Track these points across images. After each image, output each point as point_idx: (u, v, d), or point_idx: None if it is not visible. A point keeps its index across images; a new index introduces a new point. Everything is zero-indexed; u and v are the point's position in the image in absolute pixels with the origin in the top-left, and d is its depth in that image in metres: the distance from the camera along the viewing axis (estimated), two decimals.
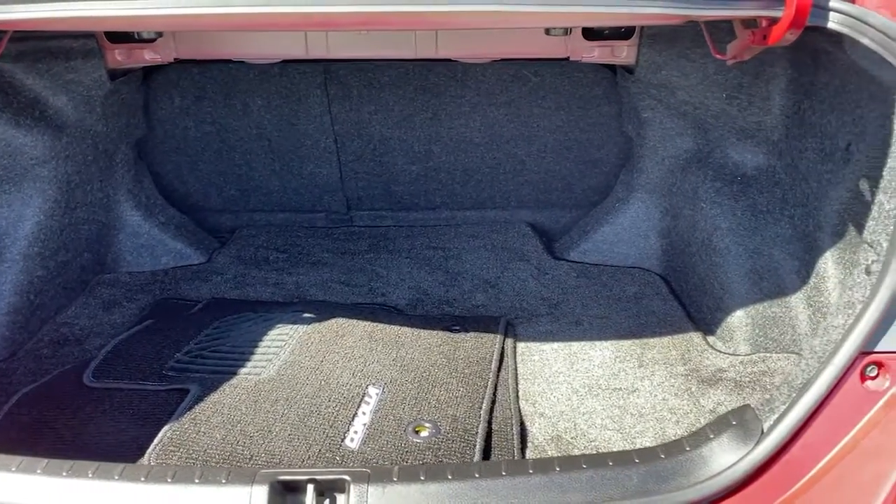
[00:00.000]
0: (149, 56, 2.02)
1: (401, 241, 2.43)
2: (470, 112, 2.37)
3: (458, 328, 1.87)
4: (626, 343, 1.84)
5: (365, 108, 2.36)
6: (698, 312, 1.96)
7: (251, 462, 1.34)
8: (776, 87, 1.83)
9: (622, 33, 1.98)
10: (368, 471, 1.04)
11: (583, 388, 1.67)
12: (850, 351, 1.02)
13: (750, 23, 1.37)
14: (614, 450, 1.45)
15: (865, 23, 1.14)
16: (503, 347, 1.81)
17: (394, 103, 2.36)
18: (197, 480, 1.03)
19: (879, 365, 1.03)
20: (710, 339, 1.86)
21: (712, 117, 1.97)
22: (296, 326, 1.81)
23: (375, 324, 1.85)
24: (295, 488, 1.03)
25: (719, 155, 2.01)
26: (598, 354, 1.80)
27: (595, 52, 2.02)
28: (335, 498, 1.04)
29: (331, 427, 1.43)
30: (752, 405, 1.12)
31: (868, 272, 1.08)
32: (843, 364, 1.02)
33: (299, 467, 1.31)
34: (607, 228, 2.28)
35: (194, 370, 1.63)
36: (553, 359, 1.79)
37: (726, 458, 1.04)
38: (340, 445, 1.39)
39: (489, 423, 1.50)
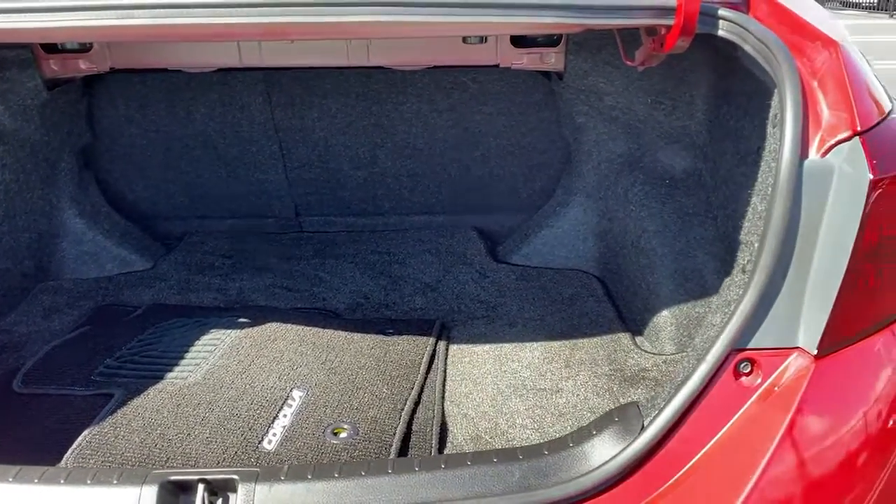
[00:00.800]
0: (84, 66, 2.04)
1: (347, 246, 2.46)
2: (412, 118, 2.41)
3: (391, 331, 1.90)
4: (556, 344, 1.88)
5: (308, 115, 2.39)
6: (629, 313, 2.00)
7: (166, 465, 1.36)
8: (699, 93, 1.88)
9: (550, 40, 2.02)
10: (257, 470, 1.07)
11: (508, 389, 1.70)
12: (722, 348, 1.05)
13: (652, 31, 1.41)
14: None
15: (747, 30, 1.18)
16: (435, 350, 1.84)
17: (336, 110, 2.39)
18: (89, 482, 1.05)
19: (753, 361, 1.07)
20: (639, 339, 1.90)
21: (640, 122, 2.01)
22: (228, 331, 1.83)
23: (308, 328, 1.87)
24: (186, 488, 1.05)
25: (649, 159, 2.06)
26: (528, 355, 1.84)
27: (524, 59, 2.06)
28: (228, 497, 1.06)
29: (249, 429, 1.46)
30: (638, 402, 1.15)
31: (744, 271, 1.12)
32: (716, 361, 1.05)
33: (214, 467, 1.33)
34: (547, 232, 2.31)
35: (122, 375, 1.65)
36: (483, 360, 1.82)
37: (606, 453, 1.07)
38: (257, 447, 1.41)
39: (409, 424, 1.53)
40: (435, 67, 2.19)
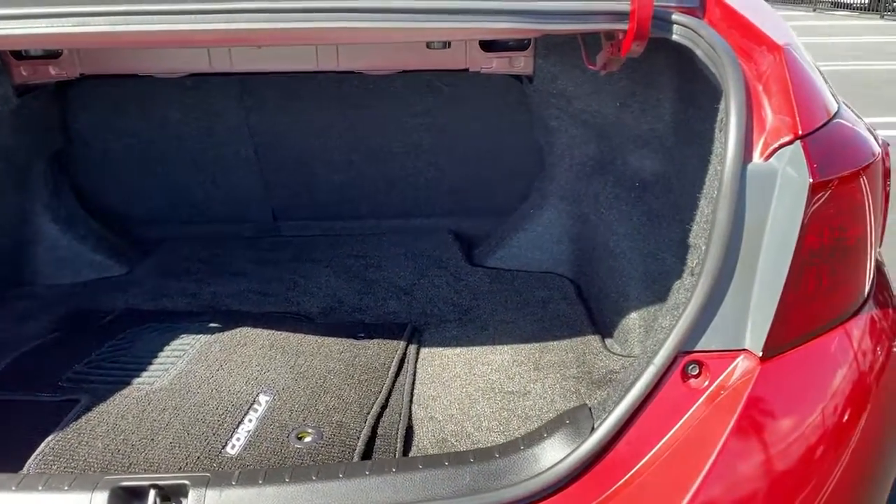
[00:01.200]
0: (54, 72, 2.05)
1: (323, 251, 2.47)
2: (387, 122, 2.42)
3: (362, 335, 1.91)
4: (527, 347, 1.89)
5: (282, 120, 2.40)
6: (599, 315, 2.01)
7: (128, 470, 1.36)
8: (666, 96, 1.89)
9: (520, 44, 2.03)
10: (208, 475, 1.07)
11: (476, 392, 1.71)
12: (669, 351, 1.06)
13: (610, 36, 1.42)
14: None
15: (698, 34, 1.19)
16: (405, 353, 1.85)
17: (311, 114, 2.40)
18: (40, 488, 1.06)
19: (700, 364, 1.08)
20: (608, 341, 1.91)
21: (609, 125, 2.02)
22: (199, 336, 1.83)
23: (279, 332, 1.88)
24: (138, 494, 1.06)
25: (620, 162, 2.07)
26: (498, 358, 1.84)
27: (493, 64, 2.08)
28: (180, 502, 1.07)
29: (213, 435, 1.46)
30: (589, 404, 1.16)
31: (692, 274, 1.13)
32: (664, 363, 1.06)
33: (176, 473, 1.33)
34: (522, 235, 2.32)
35: (90, 381, 1.66)
36: (454, 363, 1.83)
37: (556, 456, 1.08)
38: (220, 452, 1.41)
39: (374, 427, 1.54)
40: (407, 72, 2.20)
